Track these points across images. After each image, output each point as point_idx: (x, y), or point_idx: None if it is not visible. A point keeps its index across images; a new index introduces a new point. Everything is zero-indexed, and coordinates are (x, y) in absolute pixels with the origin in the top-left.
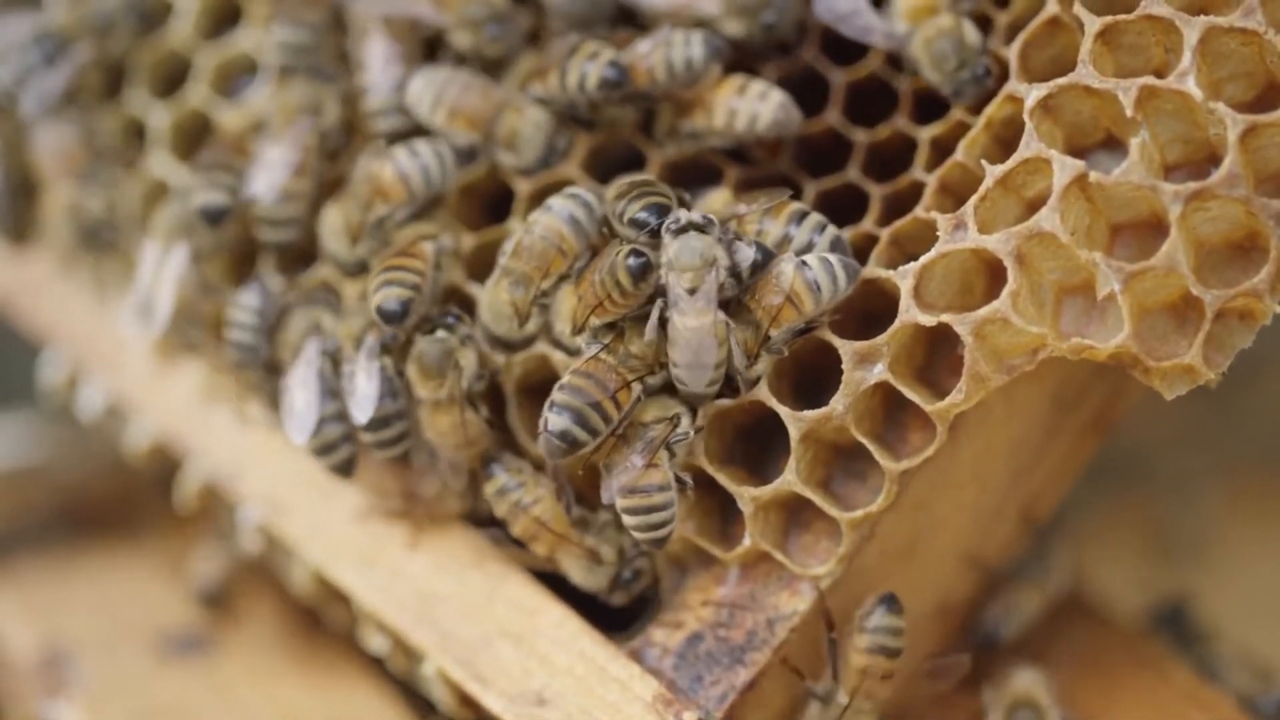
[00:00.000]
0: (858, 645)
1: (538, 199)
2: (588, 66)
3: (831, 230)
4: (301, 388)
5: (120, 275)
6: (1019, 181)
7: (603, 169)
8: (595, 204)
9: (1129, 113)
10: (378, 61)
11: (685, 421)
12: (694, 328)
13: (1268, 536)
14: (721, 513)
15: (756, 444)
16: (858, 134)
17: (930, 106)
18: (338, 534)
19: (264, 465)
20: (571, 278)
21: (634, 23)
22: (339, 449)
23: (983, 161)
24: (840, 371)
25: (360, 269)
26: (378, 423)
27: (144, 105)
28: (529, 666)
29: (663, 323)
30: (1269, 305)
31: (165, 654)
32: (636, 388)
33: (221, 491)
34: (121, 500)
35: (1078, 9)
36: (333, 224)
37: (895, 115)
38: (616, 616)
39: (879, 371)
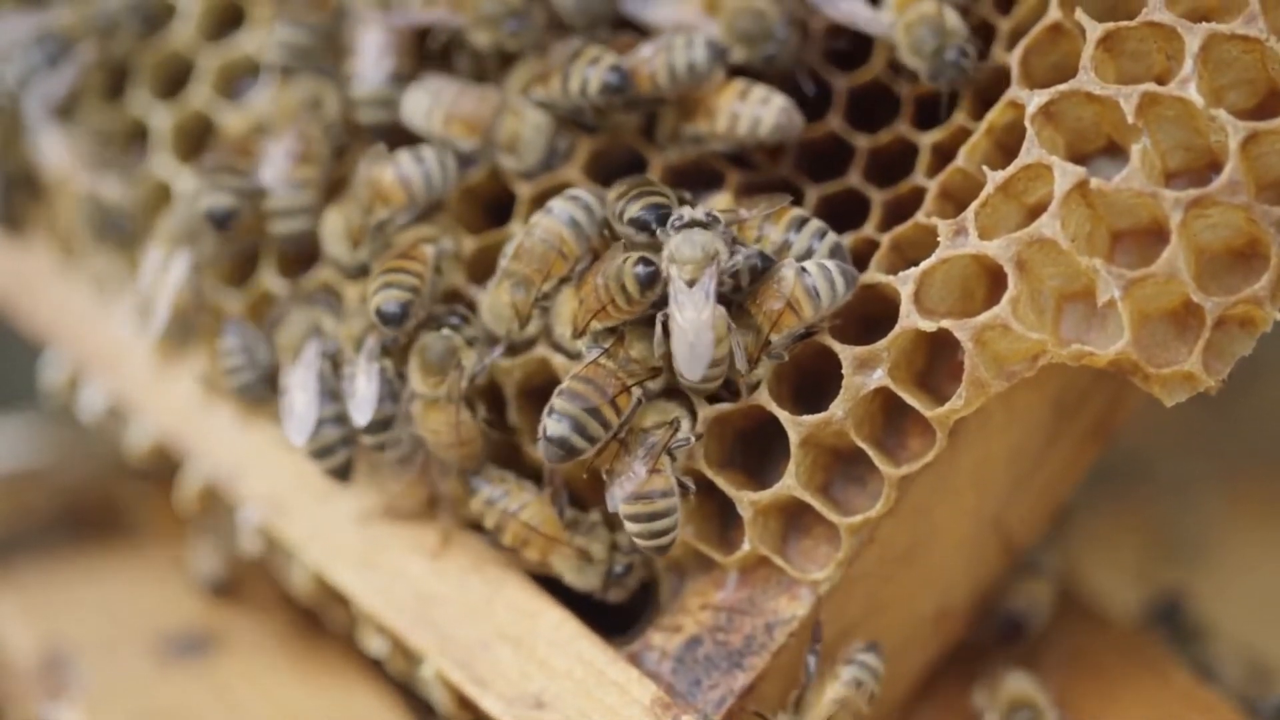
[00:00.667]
0: (839, 675)
1: (539, 202)
2: (589, 71)
3: (831, 237)
4: (301, 389)
5: (121, 276)
6: (1020, 187)
7: (604, 172)
8: (596, 206)
9: (1130, 119)
10: (371, 51)
11: (685, 426)
12: (692, 319)
13: (1268, 540)
14: (721, 517)
15: (756, 448)
16: (859, 139)
17: (932, 112)
18: (338, 535)
19: (264, 466)
20: (572, 280)
21: (637, 28)
22: (337, 453)
23: (984, 167)
24: (840, 376)
25: (361, 272)
26: (377, 425)
27: (146, 106)
28: (528, 669)
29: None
30: (1269, 312)
31: (165, 656)
32: (636, 392)
33: (222, 492)
34: (122, 502)
35: (1079, 15)
36: (334, 227)
37: (897, 121)
38: (615, 621)
39: (879, 377)
